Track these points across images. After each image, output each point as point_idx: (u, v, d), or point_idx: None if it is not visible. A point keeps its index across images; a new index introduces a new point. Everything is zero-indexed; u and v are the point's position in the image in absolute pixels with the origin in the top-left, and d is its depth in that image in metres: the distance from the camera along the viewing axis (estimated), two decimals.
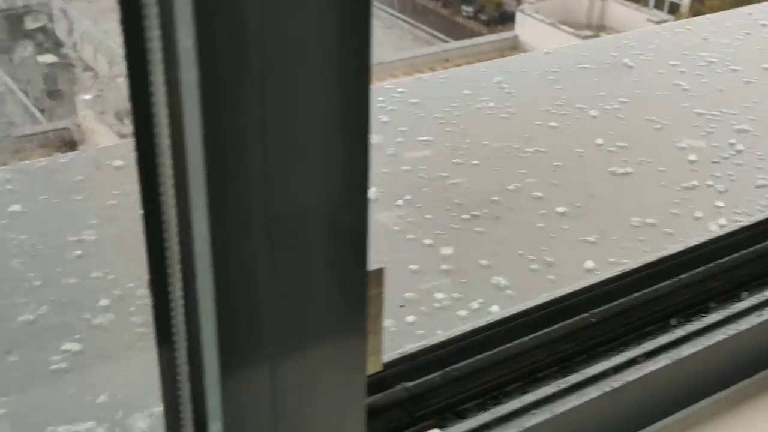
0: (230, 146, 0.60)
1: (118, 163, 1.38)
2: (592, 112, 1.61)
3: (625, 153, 1.50)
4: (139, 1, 0.57)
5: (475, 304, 1.17)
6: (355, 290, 0.71)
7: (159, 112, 0.62)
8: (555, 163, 1.47)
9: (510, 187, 1.40)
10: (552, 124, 1.57)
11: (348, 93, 0.65)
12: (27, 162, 1.41)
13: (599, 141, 1.53)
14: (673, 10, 8.26)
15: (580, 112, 1.62)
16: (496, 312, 0.94)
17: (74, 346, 1.06)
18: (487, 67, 1.79)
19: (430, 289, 1.19)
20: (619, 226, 1.33)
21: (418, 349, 0.90)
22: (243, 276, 0.64)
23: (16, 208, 1.28)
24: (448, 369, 0.90)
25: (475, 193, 1.38)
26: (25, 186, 1.35)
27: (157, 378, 0.93)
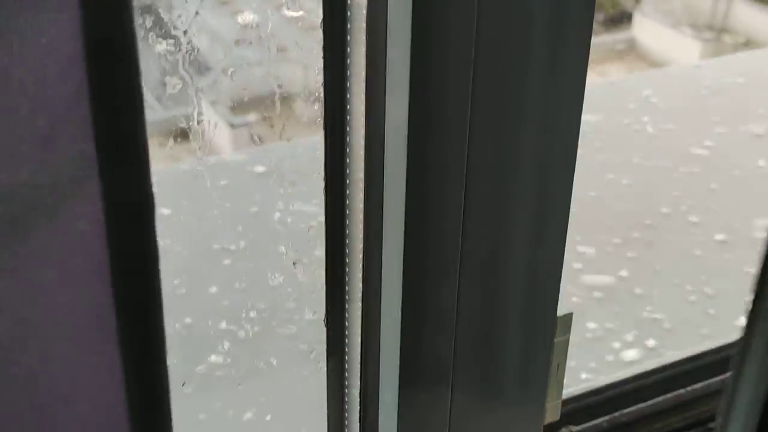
0: (431, 178, 0.56)
1: (260, 169, 1.36)
2: (753, 130, 1.51)
3: None
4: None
5: (629, 336, 1.11)
6: (542, 335, 0.66)
7: (353, 139, 0.58)
8: (711, 186, 1.38)
9: (664, 210, 1.32)
10: (707, 143, 1.48)
11: (557, 128, 0.60)
12: (172, 165, 1.41)
13: (761, 163, 1.43)
14: None
15: (738, 130, 1.52)
16: (668, 354, 0.88)
17: (219, 359, 1.04)
18: (635, 79, 1.71)
19: (580, 318, 1.13)
20: None
21: (584, 390, 0.85)
22: (432, 296, 0.60)
23: (161, 211, 1.28)
24: (616, 414, 0.85)
25: (626, 215, 1.31)
26: (169, 189, 1.34)
27: (307, 399, 0.89)
